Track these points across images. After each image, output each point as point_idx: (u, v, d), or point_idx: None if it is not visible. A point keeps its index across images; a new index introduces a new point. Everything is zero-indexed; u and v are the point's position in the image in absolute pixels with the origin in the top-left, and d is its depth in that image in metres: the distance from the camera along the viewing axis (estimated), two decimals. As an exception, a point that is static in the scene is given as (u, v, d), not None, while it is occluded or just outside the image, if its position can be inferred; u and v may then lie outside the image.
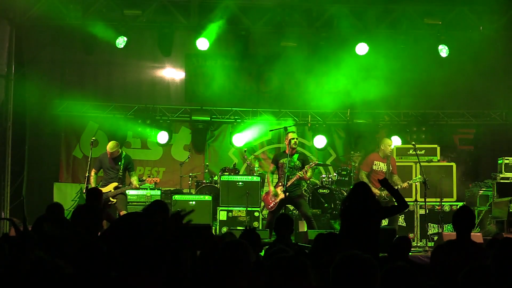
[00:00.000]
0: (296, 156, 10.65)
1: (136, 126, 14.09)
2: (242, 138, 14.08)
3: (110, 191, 10.66)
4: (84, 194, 10.54)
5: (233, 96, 14.59)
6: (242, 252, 3.70)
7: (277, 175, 10.82)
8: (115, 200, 10.68)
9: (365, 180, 11.00)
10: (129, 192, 11.73)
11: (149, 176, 11.88)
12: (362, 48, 13.23)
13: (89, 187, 10.53)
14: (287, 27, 13.22)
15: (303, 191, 11.90)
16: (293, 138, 10.58)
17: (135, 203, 12.08)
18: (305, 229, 11.40)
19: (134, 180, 10.91)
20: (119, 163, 10.79)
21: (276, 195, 10.59)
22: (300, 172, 10.42)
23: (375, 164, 11.26)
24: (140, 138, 14.41)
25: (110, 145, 10.86)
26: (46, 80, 13.94)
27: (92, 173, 10.82)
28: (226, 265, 3.62)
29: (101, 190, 8.66)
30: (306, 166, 10.55)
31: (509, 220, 11.39)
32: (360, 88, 14.37)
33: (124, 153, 11.10)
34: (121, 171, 10.79)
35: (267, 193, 10.87)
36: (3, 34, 13.07)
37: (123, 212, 10.71)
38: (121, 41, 12.97)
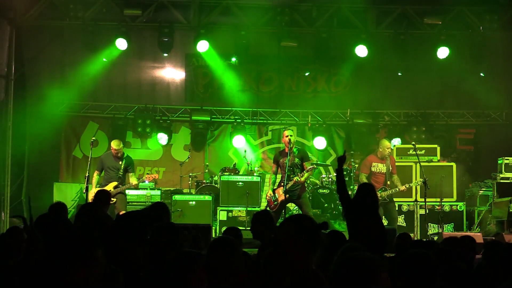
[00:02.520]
0: (295, 152, 10.60)
1: (136, 126, 14.09)
2: (242, 141, 14.02)
3: (110, 190, 10.67)
4: (84, 194, 10.55)
5: (233, 96, 14.59)
6: (229, 249, 3.69)
7: (280, 174, 10.81)
8: (114, 199, 10.69)
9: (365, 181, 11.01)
10: (129, 192, 11.74)
11: (147, 173, 11.87)
12: (361, 50, 13.23)
13: (90, 188, 10.55)
14: (287, 27, 13.22)
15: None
16: (287, 136, 10.54)
17: (135, 203, 12.08)
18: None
19: (133, 178, 10.92)
20: (120, 162, 10.81)
21: (275, 197, 10.56)
22: (296, 177, 10.38)
23: (374, 166, 11.23)
24: (140, 138, 14.42)
25: (116, 143, 10.89)
26: (46, 80, 13.94)
27: (95, 175, 10.83)
28: (214, 262, 3.61)
29: (110, 193, 8.61)
30: (305, 164, 10.48)
31: (509, 220, 11.39)
32: (360, 88, 14.41)
33: (125, 153, 11.13)
34: (121, 170, 10.81)
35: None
36: (3, 34, 13.07)
37: (122, 213, 10.72)
38: (121, 44, 12.98)
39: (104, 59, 13.44)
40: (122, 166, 10.82)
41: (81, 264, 3.35)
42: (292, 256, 3.50)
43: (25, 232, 4.82)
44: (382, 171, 11.18)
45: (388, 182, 11.15)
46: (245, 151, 13.71)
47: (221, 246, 3.75)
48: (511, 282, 3.29)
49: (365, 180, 11.04)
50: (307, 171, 10.43)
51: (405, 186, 11.12)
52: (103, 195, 8.13)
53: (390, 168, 11.25)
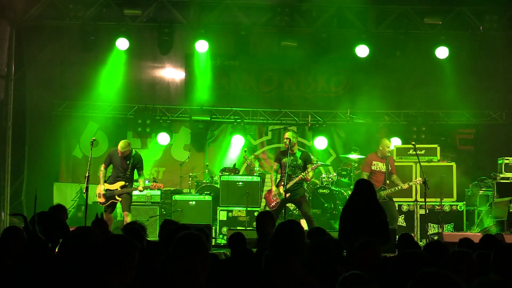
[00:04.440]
0: (298, 154, 10.63)
1: (136, 126, 14.09)
2: (241, 141, 14.02)
3: (117, 189, 10.69)
4: (84, 194, 10.53)
5: (233, 96, 14.60)
6: (195, 246, 3.57)
7: (280, 174, 10.81)
8: (120, 199, 10.70)
9: None
10: (130, 192, 11.73)
11: (154, 181, 11.82)
12: (362, 50, 13.21)
13: (100, 183, 10.65)
14: (287, 27, 13.22)
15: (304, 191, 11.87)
16: (287, 138, 10.58)
17: (135, 203, 12.06)
18: (305, 227, 11.40)
19: (141, 182, 10.88)
20: (128, 162, 10.76)
21: (279, 194, 10.56)
22: (302, 174, 10.41)
23: (374, 164, 11.25)
24: (140, 138, 14.41)
25: (122, 145, 10.76)
26: (46, 80, 13.94)
27: (102, 168, 10.81)
28: (179, 260, 3.53)
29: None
30: (308, 166, 10.51)
31: (509, 220, 11.37)
32: (360, 88, 14.41)
33: (134, 151, 11.02)
34: (129, 170, 10.76)
35: (269, 191, 10.83)
36: (3, 34, 13.09)
37: (126, 213, 10.71)
38: (122, 44, 12.98)
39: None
40: (130, 166, 10.79)
41: (124, 263, 3.41)
42: (285, 259, 3.53)
43: (25, 232, 4.82)
44: (382, 170, 11.20)
45: (388, 182, 11.16)
46: (245, 151, 13.71)
47: (187, 243, 3.59)
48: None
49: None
50: (312, 169, 10.48)
51: (408, 184, 11.13)
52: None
53: (390, 168, 11.27)
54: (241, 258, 5.34)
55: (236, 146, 14.13)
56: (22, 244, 4.52)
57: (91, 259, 3.47)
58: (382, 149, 11.27)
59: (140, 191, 11.00)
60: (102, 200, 10.74)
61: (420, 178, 11.18)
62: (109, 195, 10.70)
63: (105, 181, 10.79)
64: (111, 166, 10.88)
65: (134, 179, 11.04)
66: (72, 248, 4.12)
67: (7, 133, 13.12)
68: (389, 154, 11.46)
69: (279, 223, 4.28)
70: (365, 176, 11.13)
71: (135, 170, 10.89)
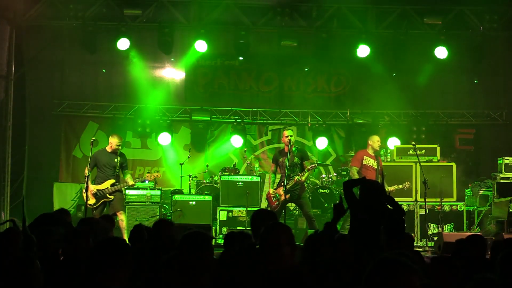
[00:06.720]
0: (294, 151, 10.59)
1: (136, 126, 14.09)
2: (240, 141, 14.02)
3: (107, 188, 10.60)
4: (84, 194, 10.51)
5: (233, 96, 14.60)
6: (202, 244, 3.63)
7: (280, 174, 10.79)
8: (112, 197, 10.61)
9: (356, 176, 10.93)
10: (129, 192, 11.71)
11: (148, 172, 11.76)
12: (363, 51, 13.22)
13: (88, 185, 10.49)
14: (287, 27, 13.23)
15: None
16: (287, 136, 10.54)
17: (136, 203, 12.06)
18: (304, 226, 11.39)
19: (129, 178, 10.81)
20: (115, 160, 10.70)
21: (277, 198, 10.54)
22: (297, 176, 10.38)
23: (365, 159, 11.09)
24: (140, 138, 14.41)
25: (117, 140, 10.71)
26: (46, 80, 13.95)
27: (86, 171, 10.64)
28: (186, 258, 3.57)
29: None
30: (305, 163, 10.46)
31: (509, 220, 11.37)
32: (360, 88, 14.42)
33: (119, 151, 11.00)
34: (117, 168, 10.70)
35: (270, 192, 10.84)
36: (3, 34, 13.09)
37: (120, 213, 10.64)
38: (123, 44, 12.98)
39: (104, 70, 13.49)
40: (118, 164, 10.72)
41: (120, 266, 3.47)
42: (282, 254, 3.56)
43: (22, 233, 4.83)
44: (373, 166, 11.04)
45: (378, 181, 11.04)
46: (245, 150, 13.72)
47: (194, 240, 3.62)
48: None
49: (356, 174, 10.95)
50: (308, 170, 10.43)
51: (394, 187, 11.08)
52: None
53: (380, 167, 11.16)
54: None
55: (236, 146, 14.12)
56: (19, 245, 4.53)
57: (88, 262, 3.51)
58: (372, 144, 11.17)
59: (132, 185, 10.92)
60: (92, 201, 10.54)
61: (406, 183, 11.23)
62: (100, 195, 10.56)
63: (92, 183, 10.69)
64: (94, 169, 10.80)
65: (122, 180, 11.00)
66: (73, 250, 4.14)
67: (7, 133, 13.12)
68: (380, 155, 11.39)
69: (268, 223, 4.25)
70: (354, 171, 11.03)
71: (121, 170, 10.81)
